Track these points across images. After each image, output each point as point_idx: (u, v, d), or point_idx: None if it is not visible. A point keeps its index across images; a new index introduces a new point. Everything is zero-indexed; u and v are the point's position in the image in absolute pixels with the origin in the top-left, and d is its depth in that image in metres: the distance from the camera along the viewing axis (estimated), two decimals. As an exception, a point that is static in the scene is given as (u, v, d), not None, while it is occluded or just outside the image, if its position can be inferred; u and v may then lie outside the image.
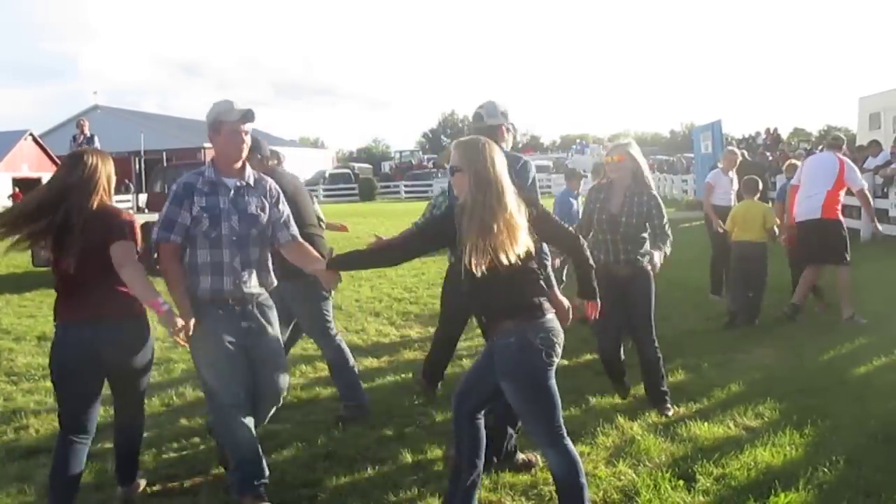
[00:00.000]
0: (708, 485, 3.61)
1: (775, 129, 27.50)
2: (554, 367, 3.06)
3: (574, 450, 3.11)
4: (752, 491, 3.50)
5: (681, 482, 3.63)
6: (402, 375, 5.70)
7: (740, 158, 9.36)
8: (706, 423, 4.41)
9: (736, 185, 8.60)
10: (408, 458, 4.08)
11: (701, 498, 3.51)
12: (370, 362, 6.24)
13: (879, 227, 8.06)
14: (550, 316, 3.10)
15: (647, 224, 4.71)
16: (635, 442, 4.17)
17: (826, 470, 3.66)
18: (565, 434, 3.09)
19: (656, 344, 4.78)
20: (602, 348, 4.87)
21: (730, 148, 10.85)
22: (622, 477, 3.74)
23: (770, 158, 20.02)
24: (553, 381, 3.05)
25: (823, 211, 7.07)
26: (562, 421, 3.09)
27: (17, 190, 32.71)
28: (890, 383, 5.06)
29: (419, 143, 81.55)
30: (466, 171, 3.05)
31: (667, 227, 4.74)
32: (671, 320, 7.11)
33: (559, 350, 3.09)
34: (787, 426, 4.24)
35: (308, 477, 3.86)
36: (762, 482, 3.59)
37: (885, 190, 12.39)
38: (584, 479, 3.08)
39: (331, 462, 4.09)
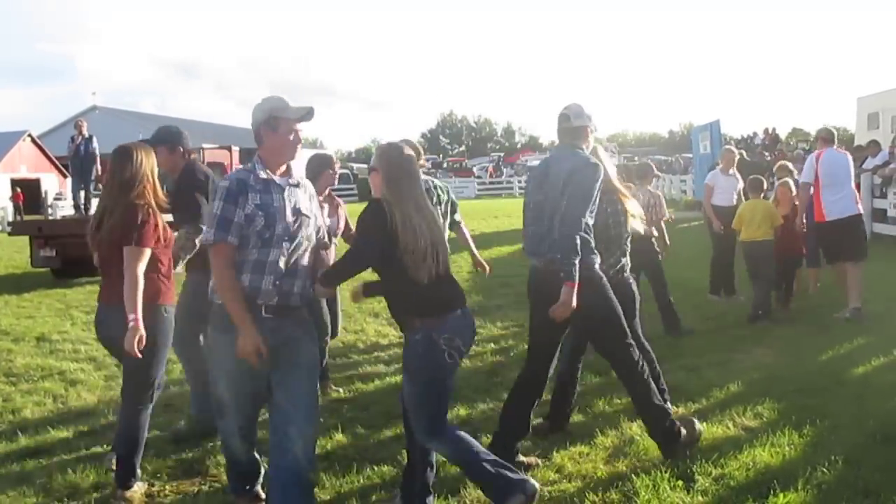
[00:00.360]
0: (707, 485, 3.61)
1: (773, 129, 27.45)
2: (454, 367, 3.27)
3: (454, 429, 3.34)
4: (751, 491, 3.50)
5: (680, 482, 3.63)
6: (401, 376, 5.69)
7: (738, 156, 9.37)
8: (705, 424, 4.40)
9: (740, 184, 8.61)
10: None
11: (700, 498, 3.51)
12: (369, 363, 6.24)
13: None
14: (461, 312, 3.27)
15: (615, 232, 4.47)
16: (634, 442, 4.17)
17: (825, 470, 3.66)
18: (445, 423, 3.31)
19: (647, 346, 4.56)
20: (560, 370, 4.45)
21: (727, 147, 10.86)
22: (621, 477, 3.74)
23: (768, 158, 20.02)
24: (450, 381, 3.29)
25: (857, 207, 7.32)
26: (446, 416, 3.33)
27: (18, 190, 32.68)
28: (888, 383, 5.06)
29: (418, 144, 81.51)
30: (380, 172, 3.32)
31: (610, 234, 4.41)
32: (670, 320, 7.10)
33: (463, 350, 3.28)
34: (785, 426, 4.24)
35: (307, 477, 3.86)
36: (761, 482, 3.59)
37: (884, 190, 12.41)
38: (477, 447, 3.26)
39: (330, 462, 4.08)
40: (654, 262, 6.75)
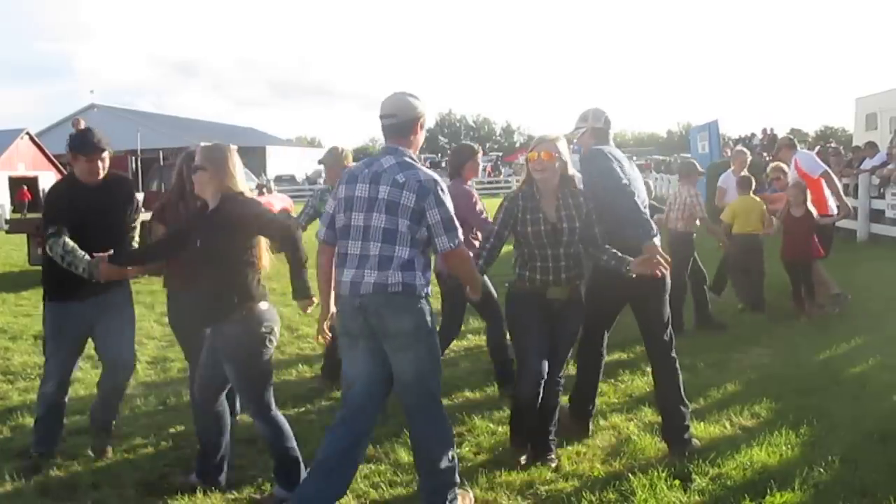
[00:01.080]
0: (704, 484, 3.61)
1: (772, 130, 27.44)
2: (271, 351, 3.57)
3: (282, 419, 3.63)
4: (748, 491, 3.50)
5: (677, 482, 3.63)
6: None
7: (750, 158, 9.36)
8: (702, 423, 4.41)
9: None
10: (405, 458, 4.07)
11: (697, 497, 3.51)
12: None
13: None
14: (267, 306, 3.54)
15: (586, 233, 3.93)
16: (631, 441, 4.17)
17: (822, 470, 3.66)
18: (273, 407, 3.61)
19: (560, 386, 4.08)
20: (519, 391, 3.91)
21: (738, 148, 10.95)
22: (618, 476, 3.74)
23: (766, 158, 20.02)
24: (269, 363, 3.60)
25: None
26: (272, 396, 3.61)
27: (25, 188, 32.52)
28: (886, 383, 5.06)
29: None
30: (209, 171, 3.57)
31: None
32: (668, 320, 7.09)
33: (276, 337, 3.58)
34: (783, 426, 4.24)
35: (305, 476, 3.85)
36: (758, 482, 3.59)
37: (882, 190, 12.42)
38: (292, 444, 3.60)
39: (327, 461, 4.07)
40: (684, 261, 6.90)
